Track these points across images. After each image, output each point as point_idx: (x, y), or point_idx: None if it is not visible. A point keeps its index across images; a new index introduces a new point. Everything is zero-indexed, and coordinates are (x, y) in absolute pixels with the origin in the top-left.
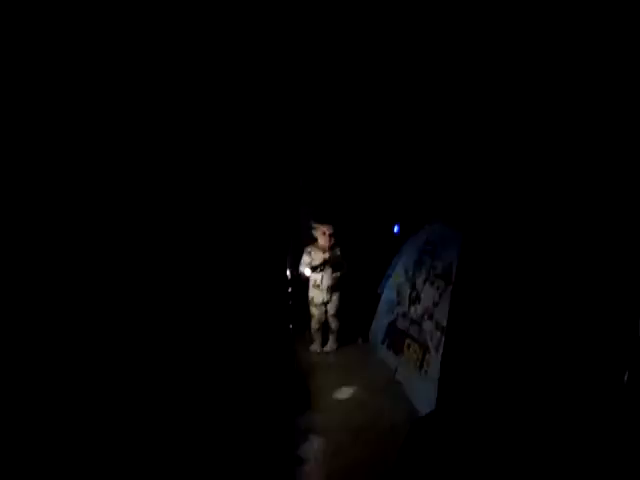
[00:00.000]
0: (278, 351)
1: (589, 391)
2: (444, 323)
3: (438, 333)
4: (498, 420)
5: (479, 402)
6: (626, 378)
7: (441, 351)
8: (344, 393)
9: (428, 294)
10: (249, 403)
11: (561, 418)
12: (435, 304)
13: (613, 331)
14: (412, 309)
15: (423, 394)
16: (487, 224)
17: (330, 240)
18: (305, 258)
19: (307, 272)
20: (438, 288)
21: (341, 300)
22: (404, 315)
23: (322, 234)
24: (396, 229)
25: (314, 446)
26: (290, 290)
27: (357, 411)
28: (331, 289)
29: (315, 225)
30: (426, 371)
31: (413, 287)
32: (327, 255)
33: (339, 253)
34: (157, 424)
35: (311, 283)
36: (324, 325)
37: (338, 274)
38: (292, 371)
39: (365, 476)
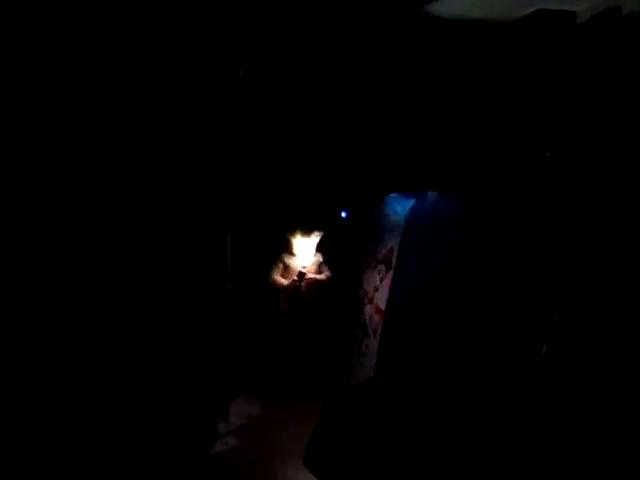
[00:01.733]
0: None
1: (512, 374)
2: (383, 307)
3: (377, 317)
4: (430, 402)
5: (413, 383)
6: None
7: (379, 336)
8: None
9: (369, 279)
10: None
11: (489, 402)
12: (375, 289)
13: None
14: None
15: (361, 377)
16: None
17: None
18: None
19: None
20: (379, 273)
21: None
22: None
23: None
24: (344, 214)
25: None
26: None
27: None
28: None
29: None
30: (364, 354)
31: (356, 271)
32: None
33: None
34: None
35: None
36: None
37: None
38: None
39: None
